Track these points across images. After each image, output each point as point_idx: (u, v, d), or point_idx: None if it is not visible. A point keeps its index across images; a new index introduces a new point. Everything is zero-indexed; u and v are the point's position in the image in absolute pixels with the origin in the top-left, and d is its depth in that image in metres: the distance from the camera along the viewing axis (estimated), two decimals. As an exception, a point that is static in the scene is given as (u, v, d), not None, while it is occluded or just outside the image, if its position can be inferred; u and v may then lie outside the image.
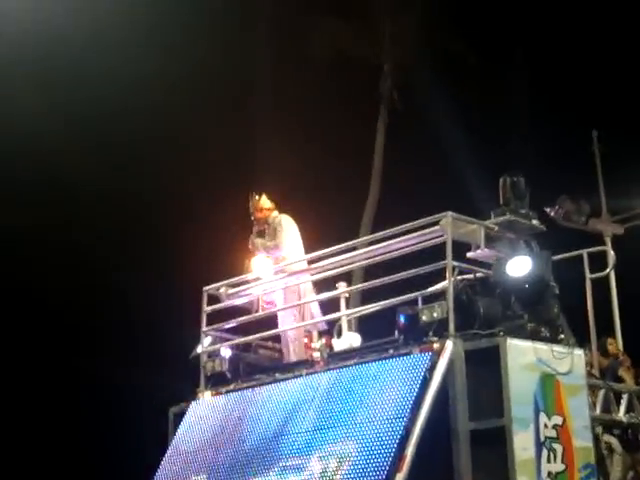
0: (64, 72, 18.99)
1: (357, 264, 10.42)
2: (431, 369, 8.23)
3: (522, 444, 8.08)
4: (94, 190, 19.33)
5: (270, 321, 10.48)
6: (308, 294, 10.35)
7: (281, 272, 10.37)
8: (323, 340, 10.02)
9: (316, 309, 10.40)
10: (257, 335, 10.38)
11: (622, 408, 9.79)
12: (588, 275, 10.82)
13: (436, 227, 9.02)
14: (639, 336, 11.63)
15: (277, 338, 10.57)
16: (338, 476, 8.04)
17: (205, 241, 17.60)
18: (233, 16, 19.87)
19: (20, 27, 17.25)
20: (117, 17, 18.32)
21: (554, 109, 19.64)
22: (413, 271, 9.26)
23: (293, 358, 10.11)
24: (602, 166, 13.61)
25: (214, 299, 10.56)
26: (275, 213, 10.67)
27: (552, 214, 11.73)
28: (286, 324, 10.31)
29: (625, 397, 9.86)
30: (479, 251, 9.00)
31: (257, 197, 10.66)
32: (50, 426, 18.88)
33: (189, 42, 19.11)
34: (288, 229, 10.48)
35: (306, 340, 10.42)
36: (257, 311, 10.45)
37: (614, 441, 10.20)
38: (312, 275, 10.31)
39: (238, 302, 10.61)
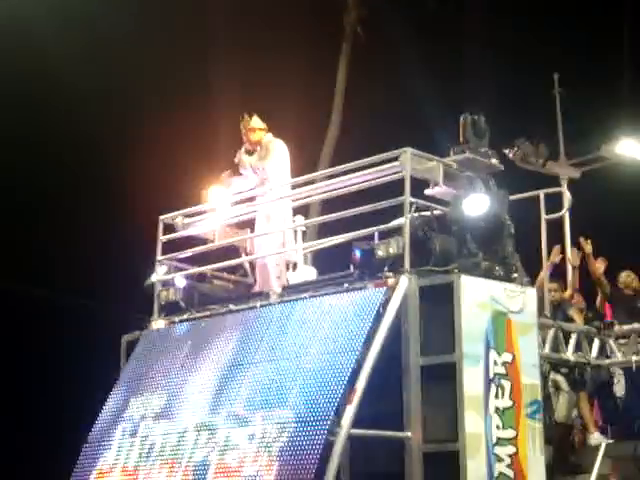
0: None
1: (314, 197, 10.39)
2: (385, 304, 8.28)
3: (471, 380, 8.19)
4: (43, 118, 18.91)
5: (227, 251, 10.44)
6: (288, 222, 10.15)
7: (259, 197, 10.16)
8: (278, 272, 10.01)
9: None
10: (215, 265, 10.31)
11: (570, 347, 9.95)
12: (544, 215, 10.92)
13: (395, 163, 9.00)
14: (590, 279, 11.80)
15: (231, 269, 10.55)
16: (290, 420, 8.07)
17: (162, 169, 17.42)
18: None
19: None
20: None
21: (515, 52, 19.61)
22: (370, 206, 9.26)
23: (276, 284, 9.83)
24: (562, 110, 13.65)
25: (170, 228, 10.50)
26: (269, 136, 10.36)
27: (510, 155, 11.79)
28: (266, 250, 10.04)
29: (574, 337, 10.03)
30: (437, 188, 9.02)
31: (248, 117, 10.41)
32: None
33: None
34: (280, 154, 10.19)
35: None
36: (213, 241, 10.40)
37: (561, 379, 10.40)
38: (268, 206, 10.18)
39: (194, 232, 10.56)
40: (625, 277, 11.48)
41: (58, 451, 12.07)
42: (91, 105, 18.73)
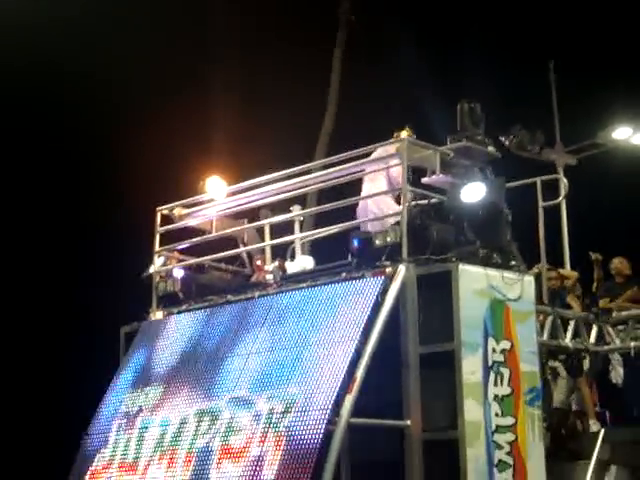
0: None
1: (311, 187, 10.39)
2: (383, 293, 8.28)
3: (470, 368, 8.21)
4: (45, 99, 18.84)
5: (224, 242, 10.44)
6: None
7: None
8: (276, 262, 10.02)
9: None
10: (213, 256, 10.32)
11: (569, 334, 9.97)
12: (541, 203, 10.92)
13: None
14: (588, 264, 11.82)
15: (229, 259, 10.56)
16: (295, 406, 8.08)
17: (159, 160, 17.41)
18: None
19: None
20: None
21: (511, 39, 19.59)
22: (367, 195, 9.24)
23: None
24: (557, 96, 13.65)
25: (167, 219, 10.50)
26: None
27: (507, 143, 11.78)
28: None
29: (572, 323, 10.05)
30: (434, 177, 9.01)
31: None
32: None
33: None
34: None
35: (259, 262, 10.41)
36: (210, 232, 10.40)
37: (559, 366, 10.42)
38: (264, 198, 10.15)
39: (191, 223, 10.56)
40: (617, 263, 11.45)
41: (58, 444, 12.09)
42: (89, 97, 18.70)
